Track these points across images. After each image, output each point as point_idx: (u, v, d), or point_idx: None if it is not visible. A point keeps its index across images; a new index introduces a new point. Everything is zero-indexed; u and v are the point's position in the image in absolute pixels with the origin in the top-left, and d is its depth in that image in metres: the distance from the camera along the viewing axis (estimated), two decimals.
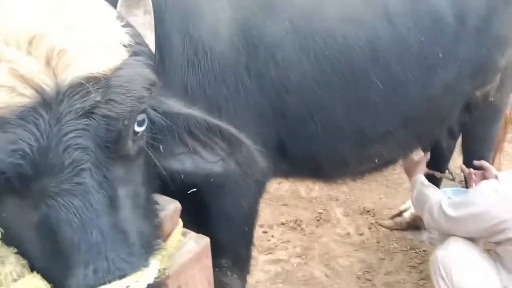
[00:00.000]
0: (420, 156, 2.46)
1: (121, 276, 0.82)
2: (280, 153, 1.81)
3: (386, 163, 2.12)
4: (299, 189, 3.74)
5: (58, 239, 0.82)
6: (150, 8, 1.18)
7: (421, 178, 2.28)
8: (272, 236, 3.18)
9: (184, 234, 1.53)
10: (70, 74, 0.82)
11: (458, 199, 1.87)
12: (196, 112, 1.16)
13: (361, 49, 1.68)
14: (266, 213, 3.45)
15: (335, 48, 1.66)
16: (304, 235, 3.19)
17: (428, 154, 2.46)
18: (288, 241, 3.12)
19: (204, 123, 1.15)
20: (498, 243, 1.72)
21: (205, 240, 1.54)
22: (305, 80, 1.67)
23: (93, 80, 0.84)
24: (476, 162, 2.17)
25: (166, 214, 1.38)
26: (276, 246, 3.08)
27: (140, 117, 0.95)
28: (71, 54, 0.82)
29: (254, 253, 3.01)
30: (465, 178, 2.33)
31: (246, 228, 1.94)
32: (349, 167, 2.02)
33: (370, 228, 3.21)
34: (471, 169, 2.17)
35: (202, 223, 1.76)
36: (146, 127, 1.01)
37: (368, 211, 3.39)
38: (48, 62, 0.79)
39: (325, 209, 3.47)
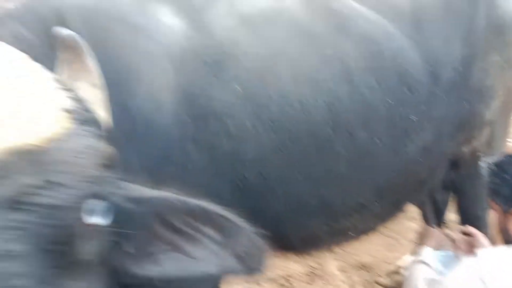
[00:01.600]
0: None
1: None
2: None
3: (362, 232, 1.91)
4: None
5: None
6: (98, 80, 1.00)
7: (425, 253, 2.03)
8: None
9: None
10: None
11: (435, 277, 1.63)
12: (171, 195, 0.93)
13: (320, 115, 1.50)
14: None
15: (291, 114, 1.48)
16: None
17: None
18: None
19: (184, 207, 0.92)
20: None
21: None
22: (262, 152, 1.49)
23: (23, 155, 0.63)
24: (461, 228, 1.92)
25: None
26: None
27: (96, 205, 0.74)
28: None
29: None
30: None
31: None
32: (321, 241, 1.84)
33: (365, 287, 2.94)
34: (457, 237, 1.92)
35: None
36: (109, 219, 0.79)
37: (365, 266, 3.12)
38: None
39: (319, 264, 3.22)
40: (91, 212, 0.71)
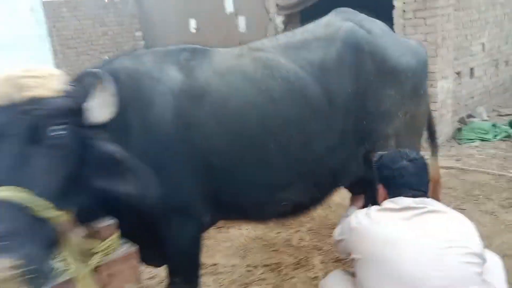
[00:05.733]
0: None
1: None
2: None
3: (297, 207, 2.71)
4: (292, 239, 4.34)
5: None
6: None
7: (349, 210, 2.83)
8: (253, 274, 3.80)
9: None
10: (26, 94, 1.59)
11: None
12: (116, 149, 1.82)
13: (255, 123, 2.37)
14: (257, 256, 4.10)
15: (238, 123, 2.36)
16: (279, 275, 3.76)
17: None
18: (264, 279, 3.72)
19: (117, 156, 1.80)
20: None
21: (134, 248, 2.33)
22: (221, 145, 2.33)
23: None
24: None
25: (101, 226, 2.22)
26: (253, 282, 3.69)
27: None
28: (30, 89, 1.61)
29: (236, 285, 3.67)
30: None
31: (191, 255, 2.55)
32: (265, 210, 2.67)
33: None
34: None
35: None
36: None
37: (341, 260, 3.86)
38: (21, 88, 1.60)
39: (306, 257, 4.01)
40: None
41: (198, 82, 2.38)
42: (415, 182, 2.14)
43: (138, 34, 12.63)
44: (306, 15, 7.55)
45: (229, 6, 9.20)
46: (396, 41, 2.73)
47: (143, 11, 12.14)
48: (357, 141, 2.64)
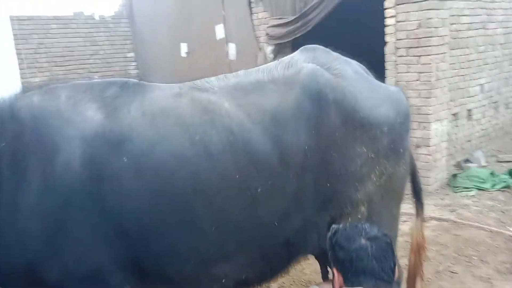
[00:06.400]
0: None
1: None
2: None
3: (239, 283, 2.20)
4: None
5: None
6: None
7: None
8: None
9: None
10: None
11: None
12: None
13: (183, 182, 1.94)
14: None
15: (162, 179, 1.94)
16: None
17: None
18: None
19: None
20: None
21: None
22: (140, 206, 1.92)
23: None
24: None
25: None
26: None
27: None
28: None
29: None
30: None
31: None
32: (201, 285, 2.16)
33: None
34: None
35: None
36: None
37: None
38: None
39: None
40: None
41: (119, 125, 2.00)
42: (377, 268, 1.73)
43: (130, 55, 12.31)
44: (298, 45, 7.18)
45: (220, 33, 8.88)
46: (371, 87, 2.27)
47: (136, 32, 11.85)
48: (319, 207, 2.16)
